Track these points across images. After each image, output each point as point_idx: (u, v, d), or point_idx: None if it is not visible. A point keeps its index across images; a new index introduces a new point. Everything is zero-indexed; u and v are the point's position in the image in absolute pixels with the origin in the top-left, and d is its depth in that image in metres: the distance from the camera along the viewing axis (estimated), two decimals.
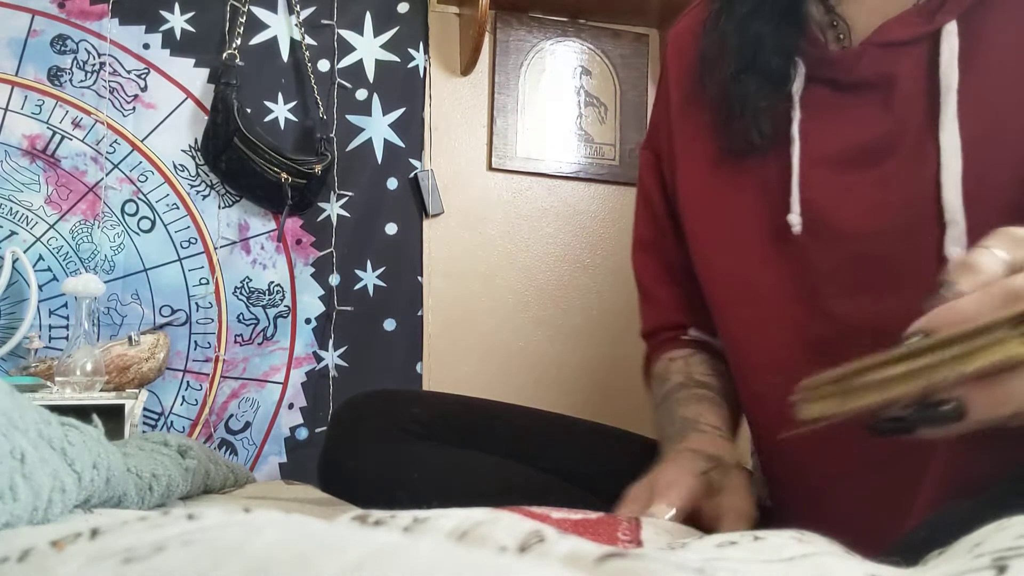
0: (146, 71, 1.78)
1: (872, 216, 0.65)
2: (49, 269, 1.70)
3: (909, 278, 0.63)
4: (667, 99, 0.83)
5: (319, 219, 1.86)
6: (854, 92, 0.68)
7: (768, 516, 0.81)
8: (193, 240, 1.79)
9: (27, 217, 1.70)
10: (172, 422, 1.76)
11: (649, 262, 0.88)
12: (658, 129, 0.86)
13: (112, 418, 1.40)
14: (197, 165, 1.80)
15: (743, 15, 0.71)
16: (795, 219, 0.68)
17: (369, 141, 1.90)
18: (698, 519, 0.59)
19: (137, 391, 1.54)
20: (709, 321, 0.80)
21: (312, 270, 1.86)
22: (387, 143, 1.92)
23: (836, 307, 0.67)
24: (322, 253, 1.86)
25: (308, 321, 1.85)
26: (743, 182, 0.73)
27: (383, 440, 0.82)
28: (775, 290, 0.71)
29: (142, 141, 1.77)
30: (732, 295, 0.75)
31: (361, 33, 1.91)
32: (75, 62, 1.74)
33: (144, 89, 1.78)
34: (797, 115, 0.70)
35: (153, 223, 1.78)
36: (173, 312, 1.78)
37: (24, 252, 1.66)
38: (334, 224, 1.86)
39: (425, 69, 1.96)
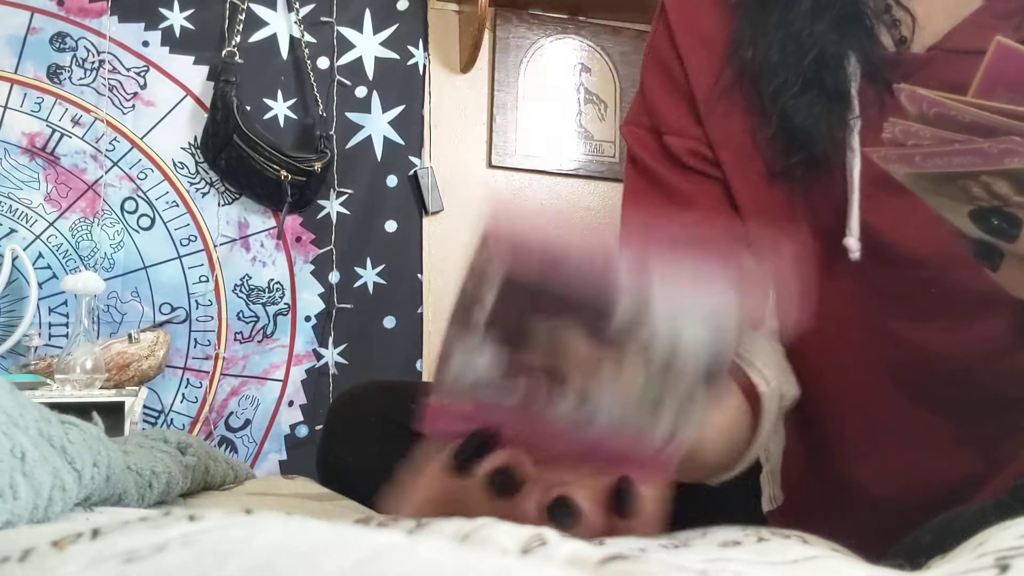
0: (145, 69, 1.78)
1: (923, 244, 0.58)
2: (49, 267, 1.70)
3: (986, 307, 0.57)
4: (676, 75, 0.71)
5: (319, 216, 1.86)
6: None
7: (774, 517, 0.81)
8: (193, 238, 1.79)
9: (27, 215, 1.70)
10: (172, 419, 1.76)
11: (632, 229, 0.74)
12: (666, 107, 0.73)
13: (112, 416, 1.40)
14: (197, 163, 1.79)
15: (799, 17, 0.62)
16: (853, 243, 0.60)
17: (369, 138, 1.90)
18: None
19: (137, 389, 1.54)
20: None
21: (312, 267, 1.86)
22: (387, 140, 1.92)
23: (905, 332, 0.62)
24: (322, 251, 1.86)
25: (308, 319, 1.85)
26: (798, 194, 0.65)
27: (381, 438, 0.82)
28: (838, 311, 0.64)
29: (141, 139, 1.77)
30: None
31: (360, 30, 1.91)
32: (74, 60, 1.74)
33: (143, 87, 1.78)
34: (857, 123, 0.61)
35: (153, 221, 1.77)
36: (173, 310, 1.77)
37: (24, 250, 1.66)
38: (334, 221, 1.86)
39: (425, 66, 1.96)
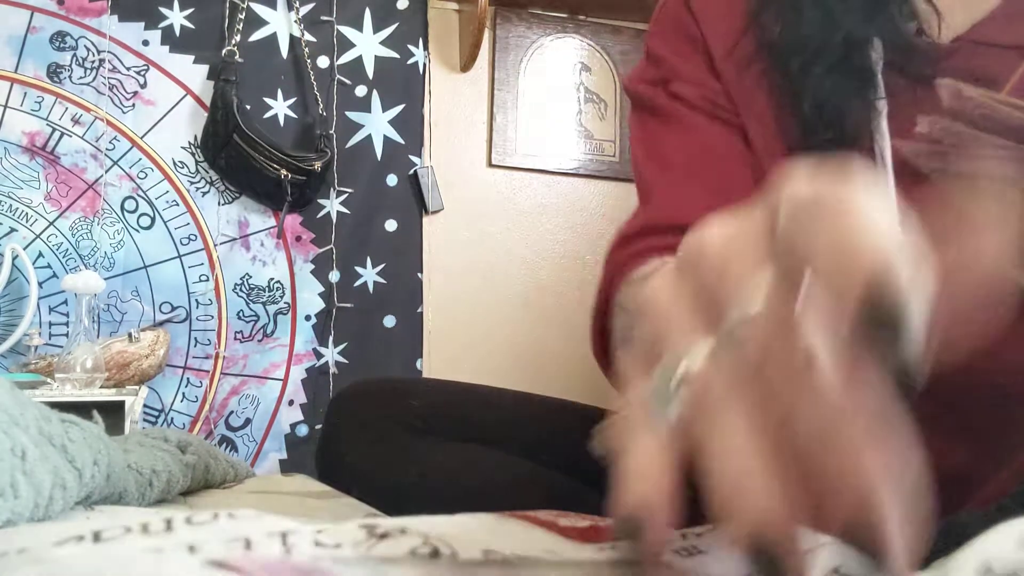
0: (145, 68, 1.78)
1: None
2: (49, 266, 1.70)
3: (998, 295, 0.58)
4: (693, 35, 0.70)
5: (319, 216, 1.86)
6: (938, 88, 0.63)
7: None
8: (193, 237, 1.79)
9: (27, 214, 1.70)
10: (172, 419, 1.76)
11: (652, 154, 0.70)
12: (680, 62, 0.71)
13: (112, 415, 1.41)
14: (197, 162, 1.79)
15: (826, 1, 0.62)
16: None
17: (369, 138, 1.90)
18: None
19: (137, 388, 1.54)
20: None
21: (312, 267, 1.86)
22: (387, 140, 1.91)
23: None
24: (322, 250, 1.86)
25: (308, 318, 1.85)
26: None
27: (381, 437, 0.82)
28: None
29: (141, 138, 1.77)
30: None
31: (360, 29, 1.91)
32: (74, 59, 1.73)
33: (143, 86, 1.77)
34: (884, 105, 0.61)
35: (153, 220, 1.77)
36: (173, 309, 1.78)
37: (24, 249, 1.66)
38: (334, 221, 1.86)
39: (425, 65, 1.96)
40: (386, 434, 0.82)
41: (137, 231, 1.77)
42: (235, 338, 1.81)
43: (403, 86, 1.93)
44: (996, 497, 0.57)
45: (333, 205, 1.86)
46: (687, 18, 0.71)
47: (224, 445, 1.79)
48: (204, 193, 1.80)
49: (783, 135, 0.65)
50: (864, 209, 0.22)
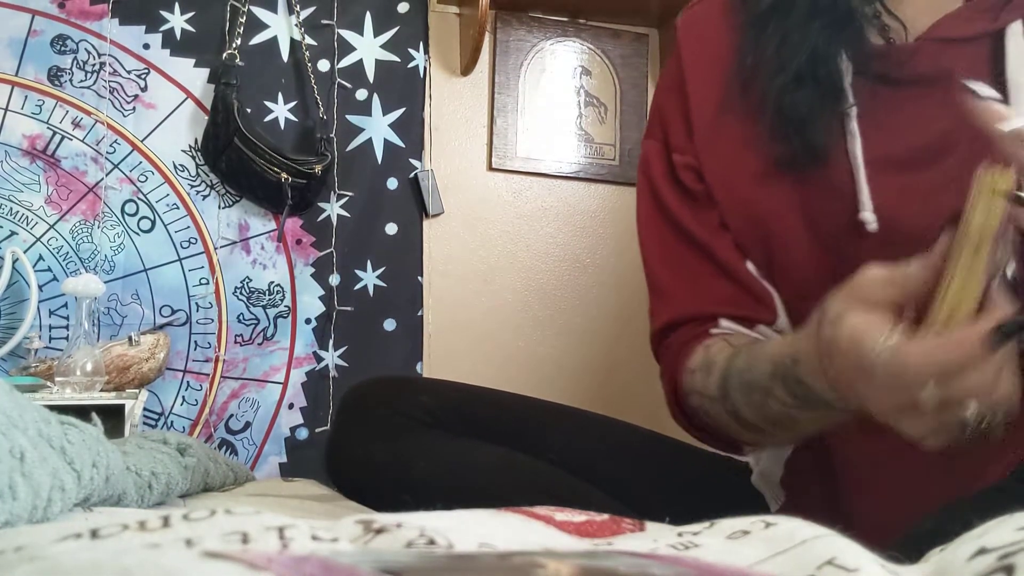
0: (146, 71, 1.78)
1: (931, 217, 0.59)
2: (49, 269, 1.70)
3: None
4: (682, 93, 0.78)
5: (319, 219, 1.86)
6: (907, 88, 0.66)
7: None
8: (193, 240, 1.79)
9: (27, 217, 1.70)
10: (172, 422, 1.76)
11: (665, 258, 0.79)
12: (673, 123, 0.79)
13: (112, 418, 1.40)
14: (197, 165, 1.80)
15: (794, 22, 0.69)
16: (869, 216, 0.65)
17: (369, 141, 1.90)
18: None
19: (137, 391, 1.54)
20: (748, 308, 0.72)
21: (312, 270, 1.86)
22: (387, 143, 1.92)
23: None
24: (322, 253, 1.86)
25: (308, 321, 1.85)
26: (793, 186, 0.70)
27: (389, 432, 0.82)
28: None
29: (142, 141, 1.77)
30: (785, 298, 0.72)
31: (361, 33, 1.91)
32: (75, 62, 1.74)
33: (144, 89, 1.78)
34: (854, 110, 0.67)
35: (153, 223, 1.77)
36: (173, 312, 1.77)
37: (24, 252, 1.66)
38: (334, 224, 1.86)
39: (425, 69, 1.96)
40: (395, 428, 0.82)
41: (137, 234, 1.77)
42: (235, 341, 1.81)
43: (403, 90, 1.93)
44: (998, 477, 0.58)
45: (333, 208, 1.86)
46: (678, 75, 0.79)
47: (224, 448, 1.78)
48: (204, 196, 1.80)
49: (757, 159, 0.71)
50: None
